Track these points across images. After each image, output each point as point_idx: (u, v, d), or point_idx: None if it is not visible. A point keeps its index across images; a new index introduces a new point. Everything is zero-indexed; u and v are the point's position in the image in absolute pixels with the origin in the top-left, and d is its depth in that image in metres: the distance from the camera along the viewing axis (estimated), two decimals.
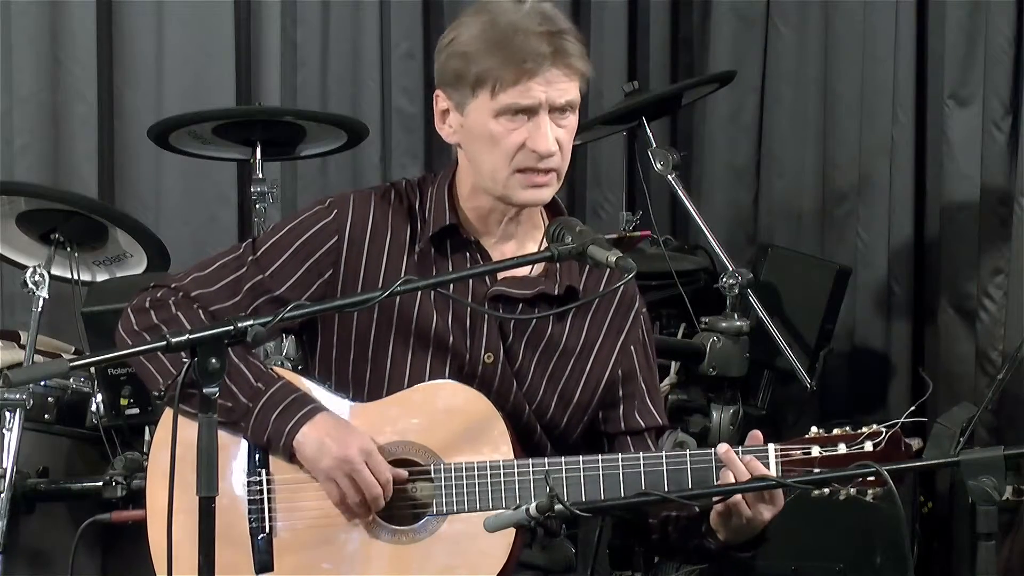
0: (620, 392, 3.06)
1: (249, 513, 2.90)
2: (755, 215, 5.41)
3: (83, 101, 5.08)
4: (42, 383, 4.29)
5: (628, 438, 3.05)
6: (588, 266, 2.97)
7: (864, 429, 2.79)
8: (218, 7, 5.21)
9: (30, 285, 4.29)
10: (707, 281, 4.77)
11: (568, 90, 2.86)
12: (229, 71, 5.20)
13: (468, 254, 2.97)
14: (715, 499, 2.79)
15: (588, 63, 2.90)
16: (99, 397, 4.30)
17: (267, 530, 2.90)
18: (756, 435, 2.87)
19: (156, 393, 3.00)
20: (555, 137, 2.87)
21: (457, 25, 2.91)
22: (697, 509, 2.90)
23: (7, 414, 4.19)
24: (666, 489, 2.79)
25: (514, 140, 2.86)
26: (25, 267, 4.37)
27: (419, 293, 2.94)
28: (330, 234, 2.97)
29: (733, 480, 2.79)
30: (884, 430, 2.78)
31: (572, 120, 2.90)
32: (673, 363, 4.54)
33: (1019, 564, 3.95)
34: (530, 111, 2.85)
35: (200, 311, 2.94)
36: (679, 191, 4.62)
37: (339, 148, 4.80)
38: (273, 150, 4.66)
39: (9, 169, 4.97)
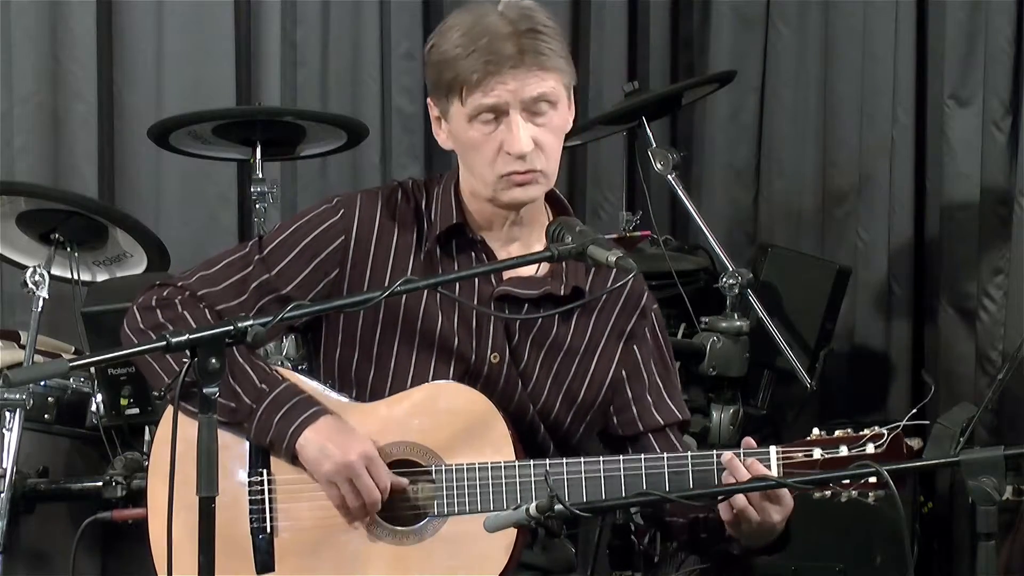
0: (629, 393, 3.03)
1: (251, 513, 2.90)
2: (755, 215, 5.40)
3: (83, 101, 5.07)
4: (42, 383, 4.29)
5: (650, 436, 3.02)
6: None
7: (866, 432, 2.79)
8: (218, 7, 5.20)
9: (30, 285, 4.29)
10: (707, 281, 4.76)
11: (538, 85, 2.81)
12: (229, 71, 5.20)
13: (474, 254, 2.96)
14: (718, 499, 2.78)
15: (563, 59, 2.84)
16: (99, 397, 4.30)
17: (268, 530, 2.90)
18: (749, 442, 2.86)
19: (157, 392, 2.99)
20: (531, 136, 2.83)
21: (437, 32, 2.92)
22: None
23: (7, 414, 4.19)
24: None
25: (491, 145, 2.84)
26: (25, 267, 4.37)
27: (425, 295, 2.93)
28: (337, 233, 2.96)
29: (734, 483, 2.79)
30: (886, 432, 2.77)
31: (552, 117, 2.85)
32: None
33: (1019, 564, 3.95)
34: (498, 111, 2.82)
35: (206, 310, 2.93)
36: (679, 191, 4.62)
37: (339, 148, 4.79)
38: (273, 150, 4.65)
39: (9, 169, 4.97)
